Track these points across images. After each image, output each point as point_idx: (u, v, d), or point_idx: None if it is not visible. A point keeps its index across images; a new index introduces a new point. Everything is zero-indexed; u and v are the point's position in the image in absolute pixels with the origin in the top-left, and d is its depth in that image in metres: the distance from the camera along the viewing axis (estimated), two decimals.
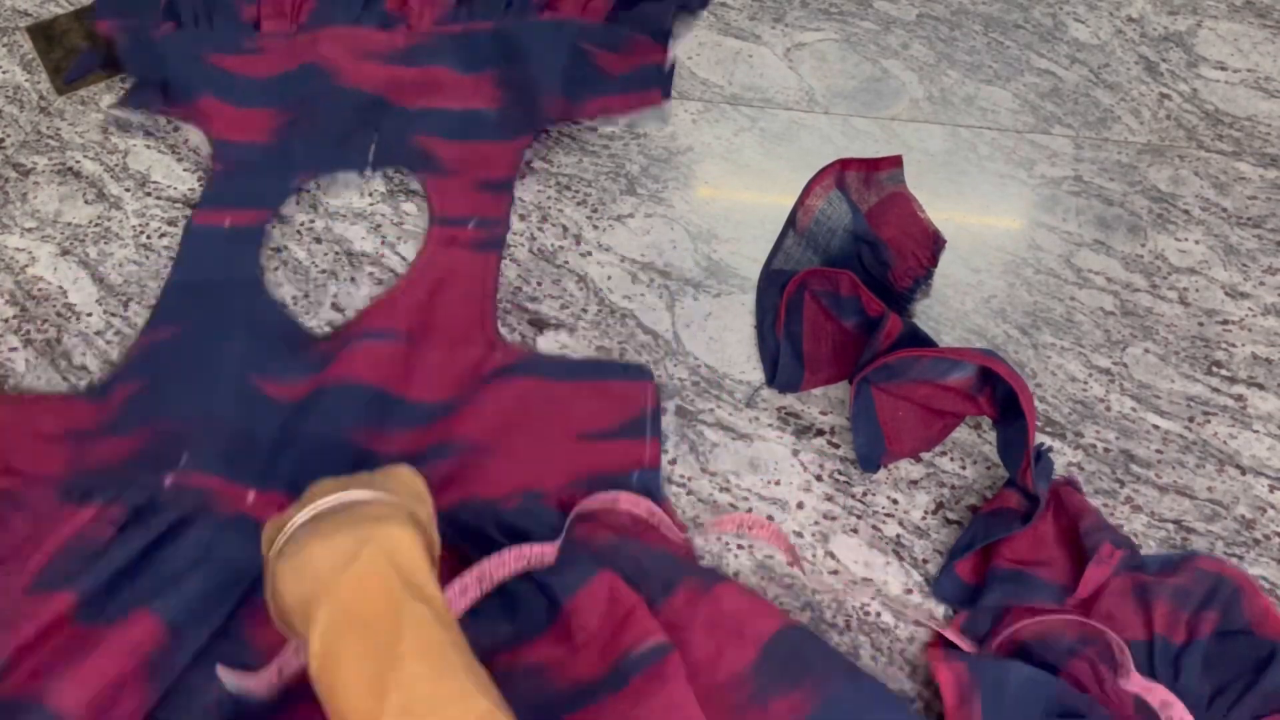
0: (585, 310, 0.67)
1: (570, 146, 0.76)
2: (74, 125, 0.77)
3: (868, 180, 0.70)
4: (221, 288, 0.66)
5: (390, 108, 0.76)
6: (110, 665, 0.45)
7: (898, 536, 0.57)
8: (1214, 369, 0.64)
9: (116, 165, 0.74)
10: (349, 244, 0.70)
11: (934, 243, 0.68)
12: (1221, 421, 0.62)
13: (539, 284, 0.68)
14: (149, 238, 0.70)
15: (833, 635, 0.54)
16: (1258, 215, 0.72)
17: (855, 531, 0.57)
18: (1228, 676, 0.50)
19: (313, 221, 0.71)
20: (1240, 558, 0.57)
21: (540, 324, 0.66)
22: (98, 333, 0.65)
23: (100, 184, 0.73)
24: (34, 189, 0.72)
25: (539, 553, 0.50)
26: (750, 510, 0.58)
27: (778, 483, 0.59)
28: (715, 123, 0.78)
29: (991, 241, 0.71)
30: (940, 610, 0.55)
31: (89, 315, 0.66)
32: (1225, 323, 0.67)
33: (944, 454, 0.60)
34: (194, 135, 0.76)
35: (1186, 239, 0.71)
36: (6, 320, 0.65)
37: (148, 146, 0.75)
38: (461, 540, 0.52)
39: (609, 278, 0.68)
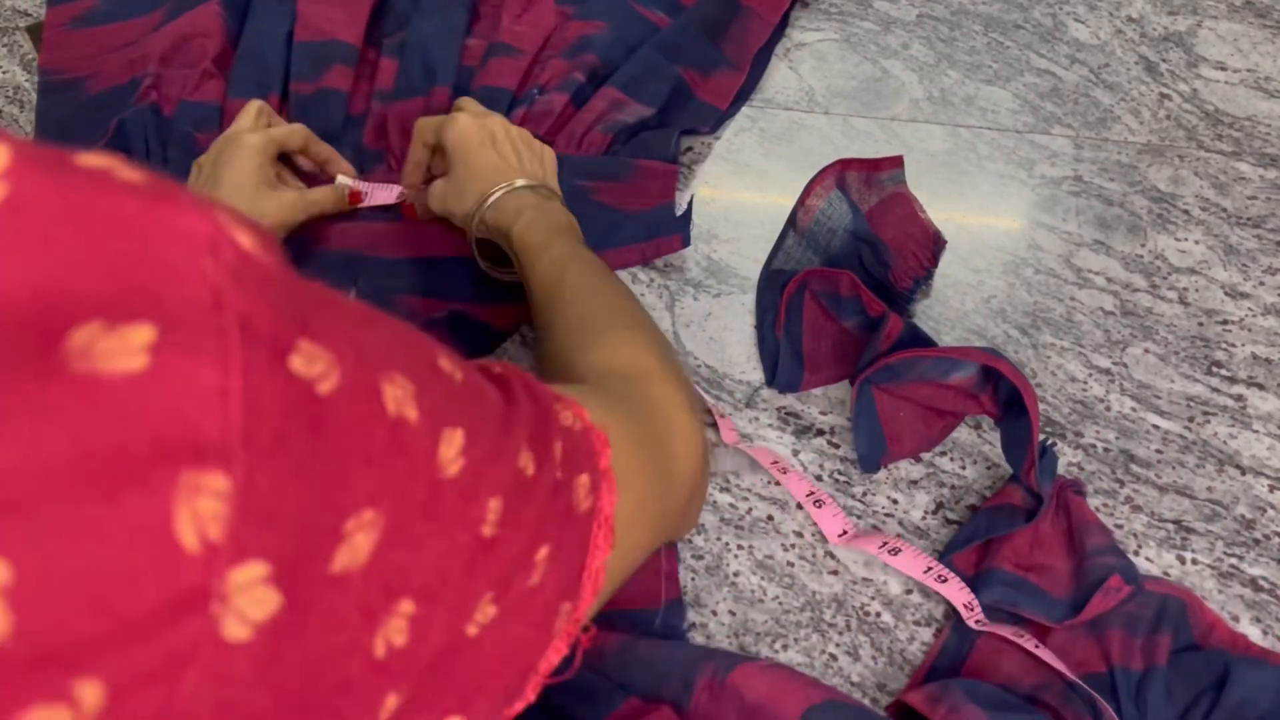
0: None
1: None
2: None
3: (868, 180, 0.70)
4: None
5: (369, 260, 0.68)
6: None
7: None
8: (1214, 369, 0.64)
9: None
10: None
11: (934, 243, 0.68)
12: (1221, 421, 0.62)
13: None
14: None
15: (833, 635, 0.54)
16: (1258, 215, 0.72)
17: None
18: (1190, 697, 0.50)
19: None
20: (1240, 558, 0.57)
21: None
22: None
23: None
24: None
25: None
26: (750, 510, 0.58)
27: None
28: None
29: (991, 241, 0.71)
30: (940, 610, 0.55)
31: None
32: (1225, 323, 0.67)
33: (944, 454, 0.60)
34: None
35: (1186, 239, 0.71)
36: None
37: None
38: None
39: None
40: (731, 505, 0.58)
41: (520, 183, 0.59)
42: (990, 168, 0.75)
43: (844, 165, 0.69)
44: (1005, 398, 0.56)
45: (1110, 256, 0.70)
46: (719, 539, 0.57)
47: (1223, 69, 0.81)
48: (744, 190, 0.74)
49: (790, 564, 0.56)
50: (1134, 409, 0.63)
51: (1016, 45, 0.83)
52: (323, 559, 0.21)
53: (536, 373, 0.46)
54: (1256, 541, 0.57)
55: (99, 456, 0.17)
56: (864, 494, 0.59)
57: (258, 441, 0.19)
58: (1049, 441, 0.59)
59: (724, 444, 0.60)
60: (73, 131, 0.73)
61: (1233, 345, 0.66)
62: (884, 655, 0.53)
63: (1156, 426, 0.62)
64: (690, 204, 0.70)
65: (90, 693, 0.17)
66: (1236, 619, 0.55)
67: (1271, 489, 0.59)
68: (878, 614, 0.55)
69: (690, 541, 0.57)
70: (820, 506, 0.57)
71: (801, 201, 0.69)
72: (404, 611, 0.23)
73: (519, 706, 0.30)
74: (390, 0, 0.81)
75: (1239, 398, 0.63)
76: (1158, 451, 0.61)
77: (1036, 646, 0.51)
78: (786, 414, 0.62)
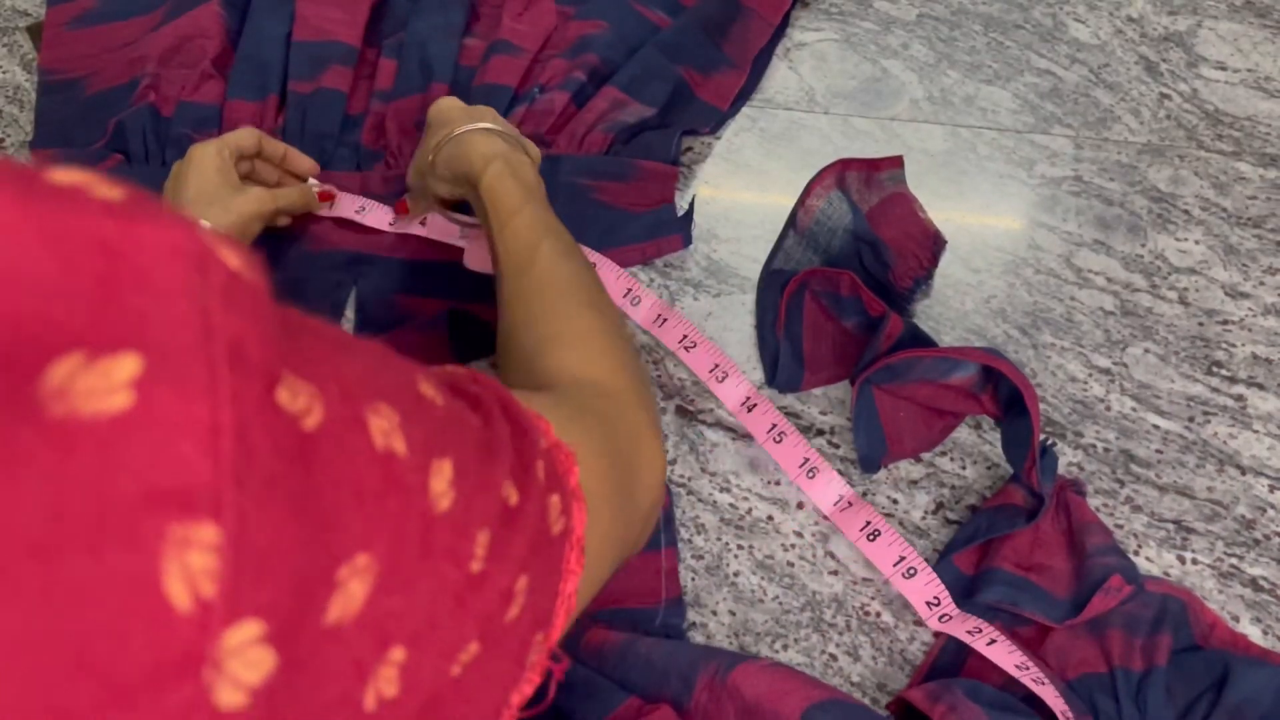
0: None
1: None
2: None
3: (868, 180, 0.70)
4: None
5: (369, 260, 0.68)
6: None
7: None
8: (1214, 369, 0.64)
9: None
10: None
11: (934, 243, 0.68)
12: (1221, 421, 0.62)
13: None
14: None
15: (833, 635, 0.54)
16: (1258, 215, 0.72)
17: None
18: (1190, 698, 0.50)
19: None
20: (1240, 558, 0.57)
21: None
22: None
23: None
24: None
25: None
26: (750, 510, 0.58)
27: (778, 483, 0.59)
28: None
29: (991, 241, 0.71)
30: None
31: None
32: (1225, 323, 0.67)
33: (944, 454, 0.60)
34: None
35: (1186, 239, 0.71)
36: None
37: None
38: None
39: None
40: (731, 505, 0.58)
41: (487, 124, 0.57)
42: (990, 168, 0.75)
43: (844, 165, 0.69)
44: (1005, 398, 0.56)
45: (1110, 256, 0.70)
46: (719, 539, 0.57)
47: (1223, 69, 0.81)
48: (744, 190, 0.74)
49: (790, 564, 0.56)
50: (1134, 409, 0.63)
51: (1016, 45, 0.83)
52: (317, 611, 0.19)
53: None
54: (1256, 541, 0.57)
55: (79, 509, 0.16)
56: (864, 494, 0.59)
57: (250, 484, 0.18)
58: (1049, 441, 0.59)
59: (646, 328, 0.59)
60: (72, 131, 0.73)
61: (1233, 345, 0.65)
62: (884, 655, 0.53)
63: (1156, 426, 0.62)
64: (692, 204, 0.70)
65: None
66: (1236, 619, 0.55)
67: (1271, 489, 0.59)
68: (878, 614, 0.55)
69: (690, 541, 0.57)
70: (814, 477, 0.56)
71: (801, 201, 0.69)
72: (395, 660, 0.22)
73: None
74: (390, 1, 0.81)
75: (1239, 398, 0.63)
76: (1158, 451, 0.61)
77: (990, 644, 0.51)
78: (787, 414, 0.62)
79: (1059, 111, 0.78)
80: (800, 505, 0.58)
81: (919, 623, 0.55)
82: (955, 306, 0.67)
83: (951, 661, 0.52)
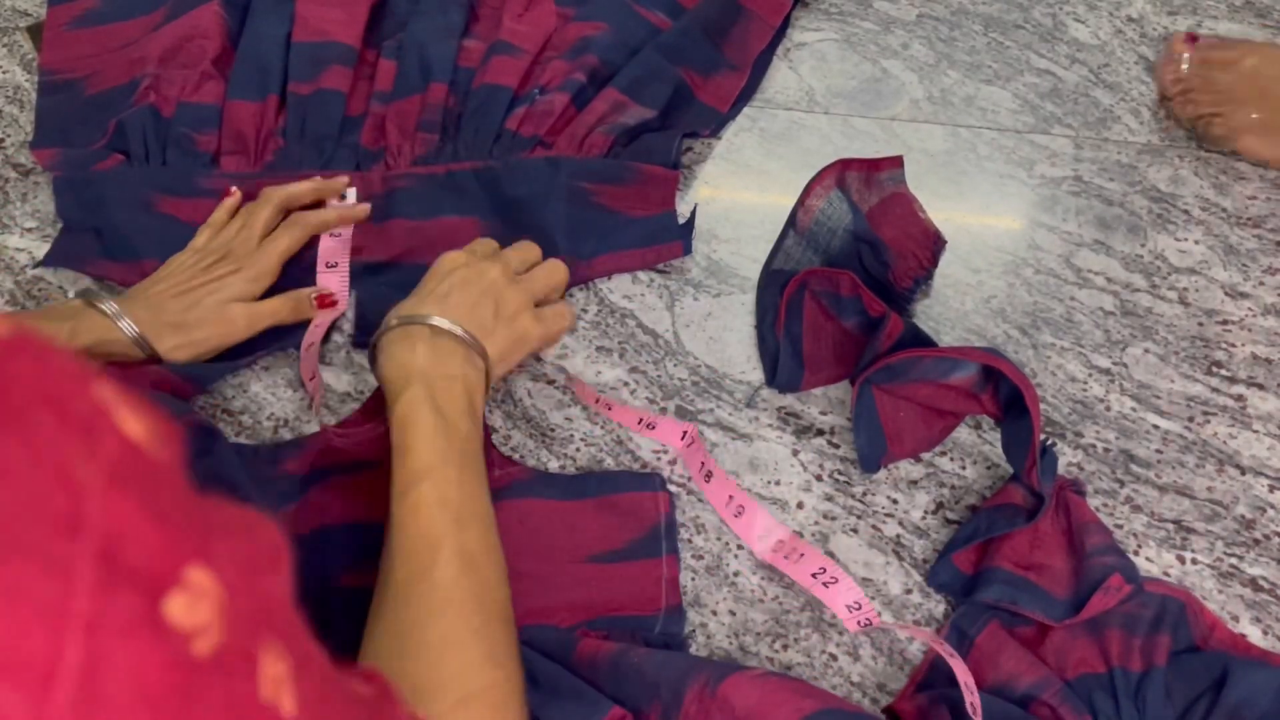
0: (585, 310, 0.67)
1: None
2: None
3: (868, 180, 0.70)
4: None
5: (365, 266, 0.67)
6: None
7: (898, 536, 0.57)
8: (1214, 369, 0.64)
9: None
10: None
11: (934, 243, 0.68)
12: (1221, 421, 0.62)
13: None
14: None
15: (833, 635, 0.54)
16: (1258, 215, 0.72)
17: (855, 531, 0.57)
18: (1189, 698, 0.50)
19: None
20: (1240, 558, 0.57)
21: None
22: None
23: None
24: (34, 189, 0.72)
25: None
26: None
27: (778, 483, 0.59)
28: None
29: (991, 241, 0.71)
30: (940, 610, 0.55)
31: None
32: (1225, 323, 0.67)
33: (944, 454, 0.60)
34: None
35: (1186, 239, 0.71)
36: None
37: None
38: None
39: (609, 278, 0.68)
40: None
41: (436, 321, 0.51)
42: (990, 168, 0.75)
43: (844, 165, 0.69)
44: (1006, 397, 0.56)
45: (1110, 256, 0.70)
46: (719, 539, 0.57)
47: None
48: (744, 190, 0.74)
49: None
50: (1134, 409, 0.63)
51: (1016, 45, 0.83)
52: None
53: None
54: (1256, 541, 0.57)
55: None
56: (864, 494, 0.59)
57: None
58: (1049, 441, 0.59)
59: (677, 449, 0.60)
60: (72, 132, 0.73)
61: (1233, 345, 0.66)
62: (884, 655, 0.53)
63: (1156, 426, 0.62)
64: (694, 213, 0.70)
65: None
66: (1236, 619, 0.55)
67: (1271, 489, 0.59)
68: (878, 614, 0.55)
69: (690, 542, 0.57)
70: (740, 516, 0.57)
71: (801, 201, 0.69)
72: None
73: None
74: (390, 2, 0.81)
75: (1239, 398, 0.63)
76: (1158, 451, 0.61)
77: (935, 636, 0.51)
78: (786, 414, 0.62)
79: (1059, 111, 0.78)
80: (800, 505, 0.58)
81: (919, 622, 0.55)
82: (955, 306, 0.67)
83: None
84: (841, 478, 0.59)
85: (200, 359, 0.60)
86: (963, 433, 0.61)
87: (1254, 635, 0.54)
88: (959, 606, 0.54)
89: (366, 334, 0.62)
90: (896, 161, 0.71)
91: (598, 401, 0.61)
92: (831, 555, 0.57)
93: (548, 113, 0.73)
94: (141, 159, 0.71)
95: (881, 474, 0.60)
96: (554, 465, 0.60)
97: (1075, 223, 0.72)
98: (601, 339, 0.65)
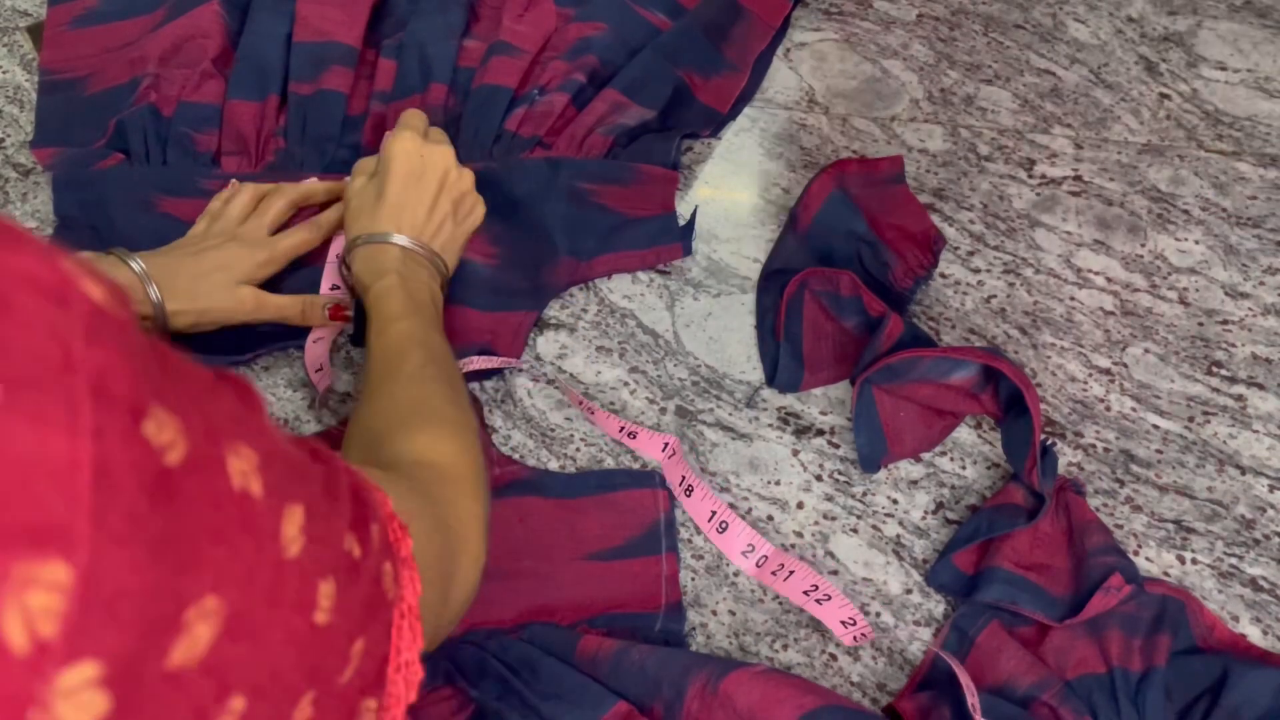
0: (585, 310, 0.67)
1: None
2: None
3: (868, 180, 0.70)
4: None
5: None
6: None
7: (898, 536, 0.57)
8: (1214, 369, 0.64)
9: None
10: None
11: (934, 243, 0.68)
12: (1221, 421, 0.62)
13: None
14: None
15: (833, 635, 0.54)
16: (1258, 215, 0.72)
17: (855, 531, 0.57)
18: (1188, 699, 0.50)
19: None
20: (1240, 557, 0.57)
21: (540, 325, 0.66)
22: None
23: None
24: (34, 189, 0.72)
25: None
26: (750, 510, 0.58)
27: (778, 483, 0.59)
28: None
29: (990, 241, 0.71)
30: (939, 610, 0.55)
31: None
32: (1225, 323, 0.67)
33: (944, 454, 0.60)
34: None
35: (1186, 239, 0.71)
36: None
37: None
38: (463, 677, 0.49)
39: (609, 278, 0.68)
40: (731, 505, 0.58)
41: (397, 239, 0.58)
42: (990, 168, 0.75)
43: (844, 165, 0.69)
44: (1006, 397, 0.56)
45: (1110, 256, 0.70)
46: (709, 539, 0.57)
47: (1223, 69, 0.81)
48: (744, 190, 0.74)
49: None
50: (1134, 409, 0.63)
51: (1016, 45, 0.83)
52: (159, 654, 0.19)
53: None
54: (1256, 541, 0.57)
55: None
56: (864, 494, 0.59)
57: (109, 523, 0.17)
58: (1049, 441, 0.59)
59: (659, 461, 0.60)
60: (72, 131, 0.73)
61: (1233, 345, 0.66)
62: (884, 655, 0.53)
63: (1156, 426, 0.62)
64: (694, 214, 0.70)
65: None
66: (1236, 619, 0.55)
67: (1271, 489, 0.59)
68: (877, 614, 0.55)
69: (690, 541, 0.57)
70: (724, 531, 0.56)
71: (801, 201, 0.69)
72: (235, 709, 0.21)
73: None
74: (390, 1, 0.81)
75: (1239, 398, 0.63)
76: (1158, 451, 0.61)
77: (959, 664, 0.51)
78: (786, 414, 0.62)
79: (1059, 111, 0.78)
80: (800, 505, 0.58)
81: (919, 622, 0.55)
82: (955, 306, 0.67)
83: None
84: (841, 478, 0.59)
85: (200, 329, 0.60)
86: (963, 433, 0.61)
87: (1254, 635, 0.54)
88: (959, 606, 0.54)
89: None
90: (896, 161, 0.71)
91: (582, 404, 0.61)
92: (831, 555, 0.57)
93: (547, 113, 0.73)
94: (141, 159, 0.71)
95: (881, 474, 0.60)
96: (554, 465, 0.60)
97: (1075, 223, 0.72)
98: (601, 339, 0.65)
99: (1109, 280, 0.69)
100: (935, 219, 0.70)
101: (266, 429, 0.24)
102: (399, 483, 0.36)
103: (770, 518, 0.58)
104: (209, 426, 0.21)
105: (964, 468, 0.60)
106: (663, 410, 0.62)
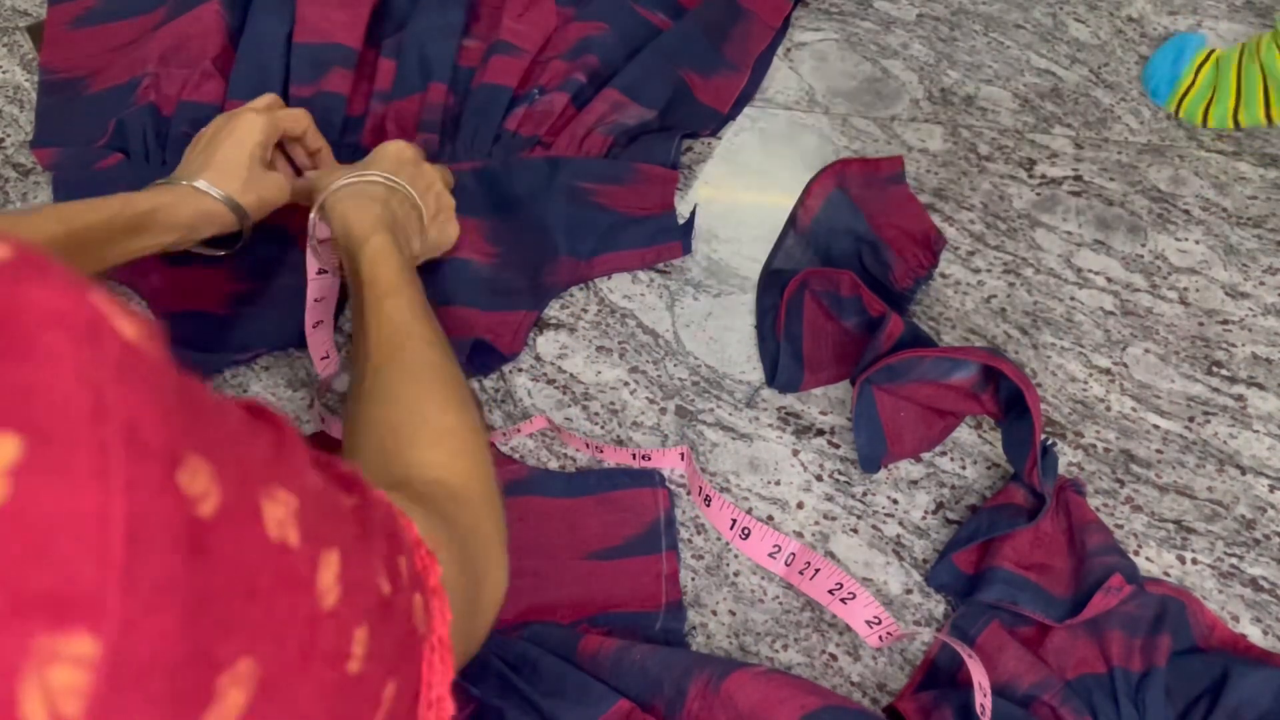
0: (585, 310, 0.67)
1: None
2: None
3: (868, 180, 0.70)
4: None
5: None
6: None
7: (898, 536, 0.57)
8: (1214, 369, 0.64)
9: None
10: None
11: (934, 243, 0.68)
12: (1221, 421, 0.62)
13: None
14: None
15: (833, 635, 0.54)
16: (1258, 215, 0.72)
17: (855, 531, 0.57)
18: (1188, 699, 0.50)
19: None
20: (1240, 557, 0.57)
21: (540, 325, 0.66)
22: None
23: None
24: (34, 189, 0.72)
25: None
26: (750, 510, 0.58)
27: (778, 483, 0.59)
28: None
29: (991, 241, 0.71)
30: (939, 610, 0.55)
31: None
32: (1225, 323, 0.67)
33: (944, 454, 0.60)
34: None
35: (1186, 239, 0.71)
36: None
37: None
38: (463, 676, 0.49)
39: (609, 278, 0.68)
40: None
41: (395, 181, 0.58)
42: (990, 168, 0.75)
43: (844, 165, 0.69)
44: (1006, 397, 0.56)
45: (1110, 256, 0.70)
46: (719, 539, 0.57)
47: None
48: (744, 190, 0.74)
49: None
50: (1134, 409, 0.63)
51: (1016, 45, 0.83)
52: None
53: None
54: (1256, 541, 0.57)
55: None
56: (864, 494, 0.59)
57: (140, 587, 0.16)
58: (1049, 441, 0.59)
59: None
60: (72, 131, 0.73)
61: (1233, 345, 0.66)
62: (884, 655, 0.53)
63: (1156, 426, 0.62)
64: (694, 213, 0.70)
65: None
66: (1236, 619, 0.55)
67: (1271, 489, 0.59)
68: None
69: (690, 541, 0.57)
70: (747, 538, 0.56)
71: (801, 201, 0.69)
72: None
73: None
74: (390, 1, 0.81)
75: (1239, 398, 0.63)
76: (1158, 451, 0.61)
77: (969, 656, 0.51)
78: (786, 414, 0.62)
79: (1059, 111, 0.78)
80: (800, 505, 0.58)
81: (919, 622, 0.55)
82: (955, 306, 0.67)
83: (950, 661, 0.52)
84: (842, 478, 0.59)
85: (265, 209, 0.60)
86: (963, 433, 0.61)
87: (1254, 635, 0.54)
88: (959, 606, 0.54)
89: None
90: (896, 161, 0.71)
91: (588, 446, 0.60)
92: (831, 555, 0.57)
93: (547, 113, 0.73)
94: (142, 158, 0.71)
95: (881, 474, 0.60)
96: (554, 465, 0.60)
97: (1075, 223, 0.72)
98: (601, 339, 0.65)
99: (1109, 280, 0.69)
100: (935, 219, 0.70)
101: (303, 469, 0.23)
102: (419, 508, 0.35)
103: (770, 518, 0.58)
104: (244, 471, 0.19)
105: (964, 468, 0.60)
106: (663, 410, 0.62)
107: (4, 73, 0.79)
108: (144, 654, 0.16)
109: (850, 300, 0.62)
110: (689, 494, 0.58)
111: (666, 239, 0.69)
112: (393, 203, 0.57)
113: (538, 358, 0.64)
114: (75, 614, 0.15)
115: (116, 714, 0.16)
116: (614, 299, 0.67)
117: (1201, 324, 0.67)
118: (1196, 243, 0.71)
